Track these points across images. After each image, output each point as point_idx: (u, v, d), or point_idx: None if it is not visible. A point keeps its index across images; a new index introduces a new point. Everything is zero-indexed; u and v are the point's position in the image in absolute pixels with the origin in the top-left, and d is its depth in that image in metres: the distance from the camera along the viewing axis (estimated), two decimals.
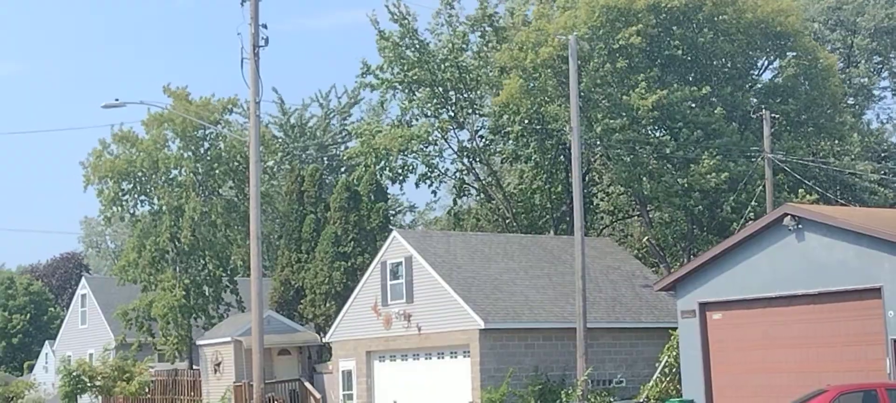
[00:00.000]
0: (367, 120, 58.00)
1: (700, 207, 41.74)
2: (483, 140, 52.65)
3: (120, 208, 50.89)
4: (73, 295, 69.99)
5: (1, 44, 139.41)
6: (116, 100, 32.01)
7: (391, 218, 53.51)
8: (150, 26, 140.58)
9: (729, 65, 44.00)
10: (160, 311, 48.26)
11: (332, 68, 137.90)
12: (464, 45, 50.84)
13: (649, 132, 42.59)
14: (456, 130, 52.07)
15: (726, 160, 40.37)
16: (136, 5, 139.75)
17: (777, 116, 40.64)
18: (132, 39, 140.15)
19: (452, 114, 51.33)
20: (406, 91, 51.38)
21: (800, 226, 27.73)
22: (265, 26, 31.12)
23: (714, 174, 39.96)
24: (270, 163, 56.99)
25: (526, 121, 46.22)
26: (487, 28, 50.79)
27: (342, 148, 65.94)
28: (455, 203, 54.69)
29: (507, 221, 51.34)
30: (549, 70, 41.64)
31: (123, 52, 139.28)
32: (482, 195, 54.08)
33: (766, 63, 46.05)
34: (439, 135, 51.50)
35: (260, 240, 31.32)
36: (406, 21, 49.83)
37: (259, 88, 31.16)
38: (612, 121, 40.29)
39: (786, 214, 28.12)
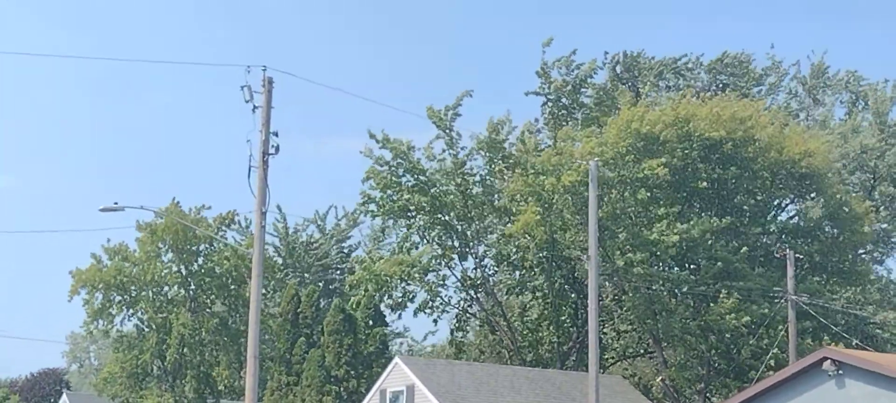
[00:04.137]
0: (368, 247, 55.82)
1: (716, 350, 39.75)
2: (486, 270, 50.71)
3: (107, 321, 48.78)
4: None
5: None
6: (115, 203, 30.15)
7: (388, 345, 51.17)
8: (146, 142, 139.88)
9: (750, 201, 42.53)
10: None
11: (330, 193, 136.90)
12: (467, 173, 48.84)
13: (668, 268, 40.79)
14: (459, 259, 49.98)
15: (748, 302, 38.50)
16: (124, 118, 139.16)
17: (801, 257, 39.02)
18: (123, 156, 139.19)
19: (455, 243, 49.32)
20: (405, 217, 49.36)
21: (841, 372, 25.74)
22: (276, 134, 29.63)
23: (733, 315, 38.06)
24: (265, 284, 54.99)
25: (541, 252, 44.32)
26: (494, 157, 48.67)
27: (338, 272, 64.05)
28: (452, 334, 52.37)
29: (511, 353, 49.16)
30: (567, 196, 39.96)
31: (109, 166, 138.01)
32: (485, 326, 51.91)
33: (787, 202, 44.69)
34: (443, 263, 49.42)
35: (257, 360, 29.20)
36: (398, 147, 47.57)
37: (266, 198, 29.42)
38: (633, 256, 38.43)
39: (825, 358, 26.14)
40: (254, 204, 29.69)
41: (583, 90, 48.28)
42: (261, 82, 29.49)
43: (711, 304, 39.03)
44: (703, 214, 40.67)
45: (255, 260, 29.57)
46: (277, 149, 29.62)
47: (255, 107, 29.46)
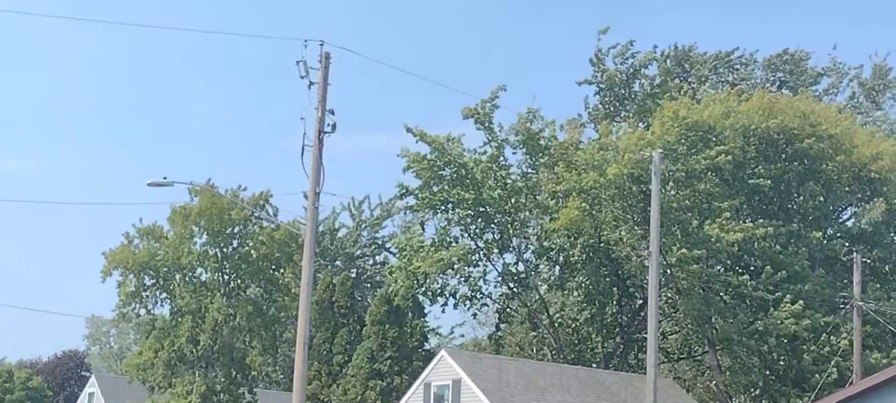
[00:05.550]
0: (404, 237, 53.82)
1: (776, 355, 38.18)
2: (527, 264, 49.08)
3: (139, 303, 47.43)
4: (71, 394, 66.19)
5: (18, 143, 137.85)
6: (165, 178, 28.92)
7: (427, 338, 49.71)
8: (183, 127, 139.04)
9: (811, 203, 40.95)
10: None
11: (360, 185, 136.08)
12: (505, 166, 47.35)
13: (726, 268, 39.23)
14: (500, 252, 48.43)
15: (808, 308, 36.97)
16: (154, 107, 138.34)
17: (867, 262, 37.48)
18: (161, 142, 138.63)
19: (497, 236, 47.73)
20: (445, 211, 47.66)
21: None
22: (332, 112, 28.46)
23: (795, 321, 36.54)
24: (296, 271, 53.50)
25: (585, 250, 42.72)
26: (532, 151, 46.97)
27: (371, 261, 62.71)
28: (498, 328, 50.90)
29: (553, 352, 47.66)
30: (615, 191, 38.46)
31: (143, 154, 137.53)
32: (527, 322, 50.36)
33: (845, 206, 43.14)
34: (482, 256, 47.83)
35: (306, 346, 27.92)
36: (436, 140, 46.06)
37: (321, 178, 28.28)
38: (688, 252, 36.84)
39: None
40: (307, 184, 28.59)
41: (636, 81, 46.76)
42: (318, 58, 28.46)
43: (772, 309, 37.44)
44: (761, 216, 39.11)
45: (307, 242, 28.31)
46: (334, 127, 28.50)
47: (311, 83, 28.41)
